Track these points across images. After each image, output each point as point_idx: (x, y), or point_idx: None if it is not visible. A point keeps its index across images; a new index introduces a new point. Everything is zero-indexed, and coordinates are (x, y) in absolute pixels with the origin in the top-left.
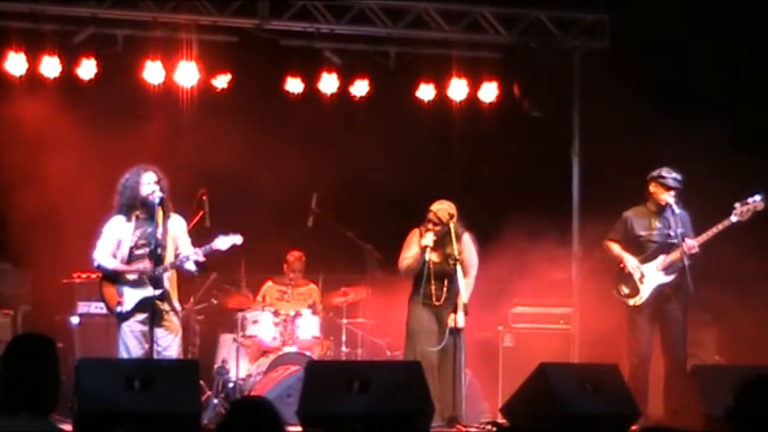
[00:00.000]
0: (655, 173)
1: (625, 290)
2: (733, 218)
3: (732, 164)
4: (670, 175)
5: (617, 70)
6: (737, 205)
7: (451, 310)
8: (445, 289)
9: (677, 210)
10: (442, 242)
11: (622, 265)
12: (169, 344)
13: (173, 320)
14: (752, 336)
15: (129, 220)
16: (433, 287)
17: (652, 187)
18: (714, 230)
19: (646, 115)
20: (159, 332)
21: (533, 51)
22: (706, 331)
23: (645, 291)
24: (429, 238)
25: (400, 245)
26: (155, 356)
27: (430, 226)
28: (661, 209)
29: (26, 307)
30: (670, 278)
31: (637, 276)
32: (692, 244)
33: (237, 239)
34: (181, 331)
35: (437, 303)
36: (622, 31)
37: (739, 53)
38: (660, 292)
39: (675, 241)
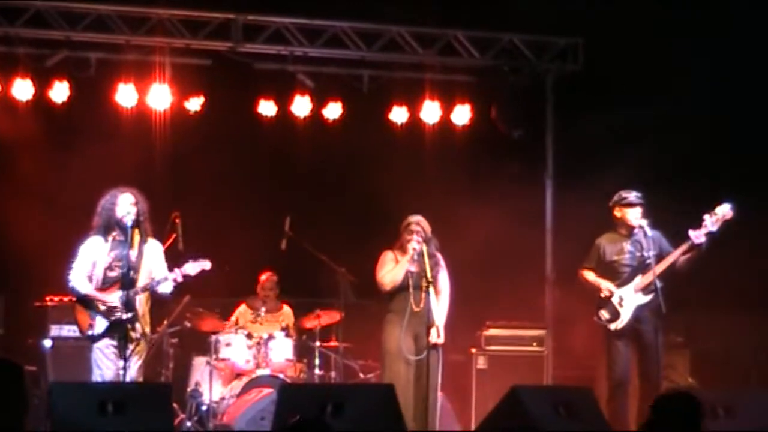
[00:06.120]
0: (615, 198)
1: (606, 315)
2: (703, 230)
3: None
4: (630, 195)
5: (591, 92)
6: (706, 216)
7: (425, 328)
8: (423, 295)
9: (649, 232)
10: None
11: (601, 293)
12: (130, 366)
13: (141, 344)
14: (724, 358)
15: (105, 241)
16: (412, 296)
17: (617, 212)
18: (684, 247)
19: (619, 138)
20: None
21: (506, 74)
22: (678, 354)
23: (625, 314)
24: (417, 243)
25: (374, 268)
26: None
27: (415, 236)
28: (631, 232)
29: None
30: (648, 298)
31: (616, 300)
32: (697, 233)
33: (206, 264)
34: (145, 354)
35: (417, 309)
36: (596, 55)
37: (712, 69)
38: (636, 314)
39: (649, 261)
